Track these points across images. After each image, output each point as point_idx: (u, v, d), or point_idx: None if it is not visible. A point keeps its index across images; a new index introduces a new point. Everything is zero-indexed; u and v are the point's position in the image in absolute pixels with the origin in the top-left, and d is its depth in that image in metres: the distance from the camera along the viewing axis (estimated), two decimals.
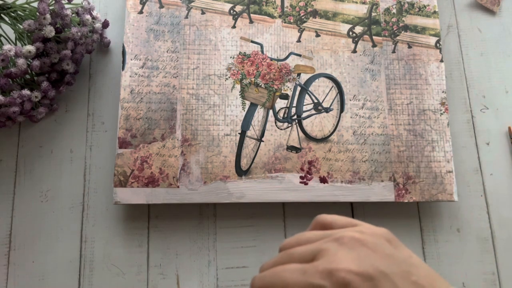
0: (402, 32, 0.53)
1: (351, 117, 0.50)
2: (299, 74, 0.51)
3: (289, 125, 0.49)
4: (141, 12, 0.51)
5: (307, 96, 0.50)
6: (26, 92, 0.45)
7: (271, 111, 0.50)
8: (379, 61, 0.52)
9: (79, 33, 0.46)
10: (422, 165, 0.49)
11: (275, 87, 0.50)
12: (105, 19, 0.52)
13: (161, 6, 0.51)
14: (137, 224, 0.49)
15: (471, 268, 0.49)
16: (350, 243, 0.26)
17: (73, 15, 0.48)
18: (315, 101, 0.50)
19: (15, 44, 0.47)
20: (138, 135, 0.48)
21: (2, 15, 0.46)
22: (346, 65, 0.51)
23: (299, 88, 0.50)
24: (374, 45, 0.52)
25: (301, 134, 0.49)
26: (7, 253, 0.47)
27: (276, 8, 0.52)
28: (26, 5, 0.46)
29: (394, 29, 0.53)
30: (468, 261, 0.49)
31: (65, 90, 0.50)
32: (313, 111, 0.50)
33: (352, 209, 0.50)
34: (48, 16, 0.43)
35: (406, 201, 0.48)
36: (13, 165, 0.50)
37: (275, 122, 0.49)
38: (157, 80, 0.49)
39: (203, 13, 0.51)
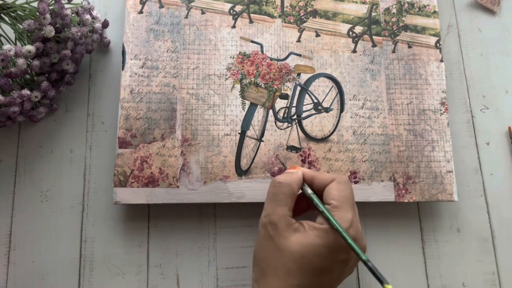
0: (402, 32, 0.53)
1: (351, 117, 0.50)
2: (299, 74, 0.51)
3: (289, 125, 0.49)
4: (141, 12, 0.51)
5: (307, 96, 0.50)
6: (26, 92, 0.45)
7: (271, 111, 0.50)
8: (379, 61, 0.52)
9: (79, 33, 0.46)
10: (422, 165, 0.49)
11: (275, 87, 0.50)
12: (105, 19, 0.52)
13: (161, 6, 0.51)
14: (137, 224, 0.49)
15: (471, 268, 0.49)
16: None
17: (73, 15, 0.48)
18: (315, 101, 0.50)
19: (15, 44, 0.47)
20: (138, 135, 0.48)
21: (2, 15, 0.46)
22: (346, 65, 0.51)
23: (299, 88, 0.50)
24: (374, 45, 0.52)
25: (301, 134, 0.49)
26: (7, 253, 0.47)
27: (276, 8, 0.52)
28: (26, 5, 0.46)
29: (394, 29, 0.53)
30: (468, 261, 0.49)
31: (65, 90, 0.51)
32: (313, 111, 0.50)
33: None
34: (48, 16, 0.43)
35: (406, 201, 0.48)
36: (13, 165, 0.50)
37: (275, 122, 0.49)
38: (157, 80, 0.49)
39: (203, 13, 0.51)
